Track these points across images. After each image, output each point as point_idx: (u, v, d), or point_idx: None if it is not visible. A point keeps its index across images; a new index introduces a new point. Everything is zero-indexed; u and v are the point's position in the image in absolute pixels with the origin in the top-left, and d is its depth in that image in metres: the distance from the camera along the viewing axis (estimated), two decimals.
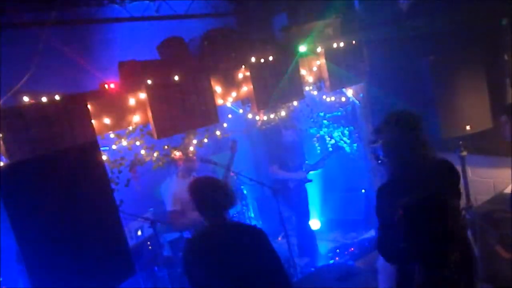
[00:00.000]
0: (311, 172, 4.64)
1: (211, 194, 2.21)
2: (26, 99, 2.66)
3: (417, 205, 1.54)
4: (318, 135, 4.95)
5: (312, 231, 4.73)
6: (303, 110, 4.60)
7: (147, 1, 3.61)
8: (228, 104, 3.62)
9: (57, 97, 2.69)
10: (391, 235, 2.05)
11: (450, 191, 2.17)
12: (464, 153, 3.58)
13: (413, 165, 2.16)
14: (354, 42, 4.09)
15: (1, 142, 2.50)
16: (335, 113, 4.74)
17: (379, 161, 2.38)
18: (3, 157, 2.54)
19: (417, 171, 2.14)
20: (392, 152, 2.23)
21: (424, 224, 1.51)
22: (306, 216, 4.65)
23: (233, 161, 4.14)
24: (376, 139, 2.31)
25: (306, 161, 4.69)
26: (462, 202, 3.55)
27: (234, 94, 3.54)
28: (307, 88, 4.04)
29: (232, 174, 4.20)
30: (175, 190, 3.73)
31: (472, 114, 3.48)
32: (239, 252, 2.12)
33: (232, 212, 4.38)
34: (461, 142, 3.56)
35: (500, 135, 2.71)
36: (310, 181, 4.60)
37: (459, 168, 3.60)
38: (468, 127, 3.48)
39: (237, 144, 4.19)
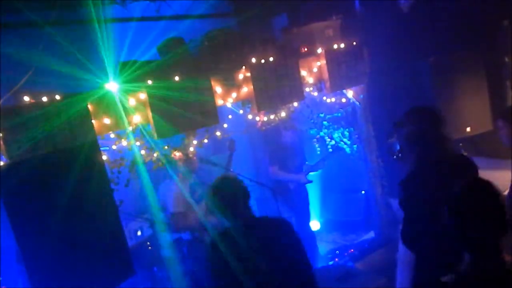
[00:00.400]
0: (311, 173, 4.64)
1: (231, 191, 2.20)
2: (26, 99, 2.66)
3: (465, 196, 1.52)
4: (318, 136, 4.95)
5: (312, 232, 4.73)
6: (303, 111, 4.60)
7: (148, 1, 3.61)
8: (228, 105, 3.62)
9: (57, 97, 2.69)
10: (418, 227, 2.08)
11: None
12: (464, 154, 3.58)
13: (435, 158, 2.19)
14: (354, 43, 4.09)
15: (1, 142, 2.50)
16: (335, 114, 4.74)
17: (395, 156, 2.41)
18: (3, 157, 2.54)
19: (439, 164, 2.18)
20: (414, 145, 2.26)
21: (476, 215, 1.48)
22: (306, 217, 4.65)
23: (231, 160, 4.14)
24: (395, 133, 2.35)
25: (306, 162, 4.69)
26: None
27: (234, 94, 3.54)
28: (307, 89, 4.04)
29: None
30: (176, 192, 3.73)
31: (472, 116, 3.49)
32: (268, 244, 2.12)
33: None
34: (461, 144, 3.56)
35: (498, 139, 2.73)
36: (310, 182, 4.60)
37: None
38: (468, 129, 3.49)
39: (235, 143, 4.19)
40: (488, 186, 1.54)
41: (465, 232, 1.50)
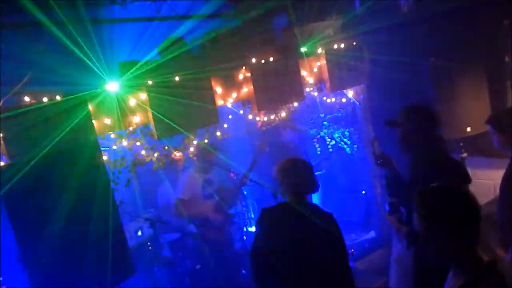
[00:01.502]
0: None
1: (301, 175, 2.30)
2: (27, 99, 2.66)
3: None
4: (318, 136, 4.95)
5: None
6: (304, 111, 4.60)
7: (148, 2, 3.62)
8: (229, 105, 3.62)
9: (57, 97, 2.69)
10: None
11: None
12: (465, 154, 3.57)
13: (430, 159, 2.18)
14: (354, 43, 4.09)
15: (2, 142, 2.50)
16: (336, 114, 4.73)
17: (378, 162, 2.40)
18: (3, 157, 2.55)
19: (433, 166, 2.17)
20: (410, 145, 2.26)
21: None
22: None
23: (257, 161, 4.12)
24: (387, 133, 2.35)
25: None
26: None
27: (234, 94, 3.55)
28: (307, 89, 4.04)
29: (232, 175, 4.20)
30: (188, 180, 3.74)
31: (473, 115, 3.48)
32: (311, 233, 2.16)
33: (232, 212, 4.39)
34: (461, 143, 3.56)
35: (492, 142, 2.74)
36: None
37: None
38: (468, 129, 3.48)
39: (266, 144, 4.14)
40: (451, 194, 1.52)
41: (430, 237, 1.50)
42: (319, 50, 3.96)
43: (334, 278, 2.17)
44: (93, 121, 2.80)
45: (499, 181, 2.89)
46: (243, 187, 4.33)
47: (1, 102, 2.57)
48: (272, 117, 4.30)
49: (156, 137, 3.12)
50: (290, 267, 2.09)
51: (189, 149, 3.78)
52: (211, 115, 3.29)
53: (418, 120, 2.28)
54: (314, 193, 2.35)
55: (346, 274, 2.24)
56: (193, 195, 3.73)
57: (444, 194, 1.53)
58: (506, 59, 3.59)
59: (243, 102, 3.70)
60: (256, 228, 2.26)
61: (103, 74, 2.84)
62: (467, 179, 2.38)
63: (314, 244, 2.14)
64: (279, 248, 2.11)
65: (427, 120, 2.28)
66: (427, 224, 1.49)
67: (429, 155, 2.23)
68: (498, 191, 2.94)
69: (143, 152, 3.35)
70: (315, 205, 2.35)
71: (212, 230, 3.77)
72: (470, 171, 3.68)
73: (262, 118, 4.25)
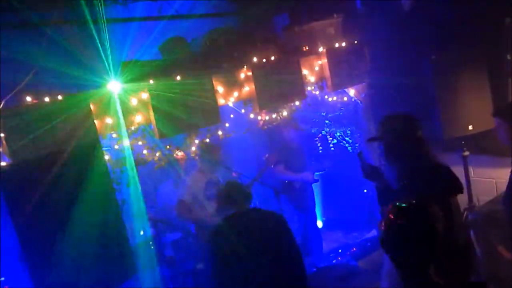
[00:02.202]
0: (317, 173, 4.62)
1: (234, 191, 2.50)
2: (28, 99, 2.66)
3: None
4: (320, 135, 4.94)
5: (319, 232, 4.71)
6: (305, 110, 4.59)
7: (150, 1, 3.62)
8: (230, 104, 3.62)
9: (59, 97, 2.69)
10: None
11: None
12: (467, 153, 3.57)
13: (416, 167, 2.15)
14: (356, 41, 4.08)
15: (4, 142, 2.51)
16: (337, 113, 4.73)
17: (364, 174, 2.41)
18: (5, 157, 2.55)
19: (420, 174, 2.13)
20: (393, 156, 2.23)
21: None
22: (313, 216, 4.63)
23: (263, 173, 4.13)
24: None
25: (312, 162, 4.67)
26: (465, 202, 3.55)
27: (236, 94, 3.54)
28: (309, 88, 4.04)
29: (234, 174, 4.20)
30: (190, 181, 3.74)
31: (475, 114, 3.47)
32: (261, 235, 2.27)
33: None
34: (463, 142, 3.55)
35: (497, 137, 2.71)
36: (317, 181, 4.59)
37: (461, 168, 3.61)
38: (470, 127, 3.47)
39: (274, 158, 4.17)
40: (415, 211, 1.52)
41: (395, 252, 1.53)
42: (320, 49, 3.96)
43: (288, 274, 2.26)
44: (95, 121, 2.80)
45: (501, 180, 2.88)
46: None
47: (3, 102, 2.57)
48: (274, 116, 4.30)
49: (157, 136, 3.12)
50: (250, 275, 2.19)
51: (190, 148, 3.77)
52: (213, 114, 3.29)
53: (395, 130, 2.23)
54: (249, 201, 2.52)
55: (300, 268, 2.33)
56: (194, 197, 3.73)
57: (403, 212, 1.53)
58: (508, 57, 3.58)
59: (244, 101, 3.69)
60: (209, 252, 2.36)
61: (104, 74, 2.84)
62: (457, 187, 2.30)
63: (265, 245, 2.24)
64: (236, 256, 2.20)
65: (405, 128, 2.22)
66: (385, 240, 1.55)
67: (414, 164, 2.18)
68: (500, 189, 2.93)
69: (144, 151, 3.35)
70: (257, 208, 2.53)
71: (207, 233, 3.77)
72: (472, 169, 3.70)
73: (263, 117, 4.24)
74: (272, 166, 4.22)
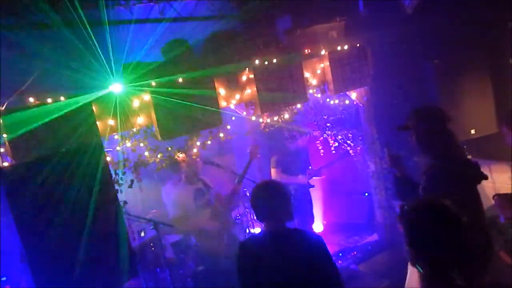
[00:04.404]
0: (314, 178, 4.62)
1: (272, 200, 2.13)
2: (31, 100, 2.68)
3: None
4: (321, 138, 4.94)
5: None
6: (307, 113, 4.59)
7: (152, 4, 3.63)
8: (232, 106, 3.63)
9: (62, 98, 2.71)
10: None
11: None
12: (469, 157, 3.55)
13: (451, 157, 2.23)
14: (358, 44, 4.08)
15: (7, 143, 2.52)
16: (339, 116, 4.72)
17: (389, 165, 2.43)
18: (8, 158, 2.57)
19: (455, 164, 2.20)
20: (429, 144, 2.30)
21: None
22: (310, 220, 4.63)
23: (249, 166, 4.13)
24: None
25: (310, 167, 4.66)
26: None
27: (237, 96, 3.55)
28: (310, 91, 4.04)
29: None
30: (177, 195, 3.74)
31: (477, 118, 3.46)
32: (297, 259, 2.05)
33: (235, 215, 4.39)
34: (465, 146, 3.54)
35: (503, 141, 2.72)
36: (312, 186, 4.58)
37: None
38: (473, 131, 3.47)
39: (258, 149, 4.17)
40: (436, 209, 1.48)
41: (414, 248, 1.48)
42: (323, 52, 3.96)
43: None
44: (97, 122, 2.81)
45: (502, 184, 2.87)
46: (245, 189, 4.33)
47: (6, 103, 2.59)
48: (275, 118, 4.30)
49: (159, 138, 3.13)
50: None
51: (192, 150, 3.78)
52: (214, 117, 3.29)
53: (430, 120, 2.30)
54: (289, 221, 2.17)
55: None
56: (185, 209, 3.74)
57: (424, 210, 1.50)
58: (511, 61, 3.57)
59: (246, 104, 3.70)
60: (237, 264, 2.11)
61: (107, 76, 2.86)
62: (482, 174, 2.38)
63: (302, 273, 2.02)
64: (265, 282, 2.01)
65: (438, 119, 2.30)
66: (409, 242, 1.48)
67: (447, 155, 2.24)
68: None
69: (146, 153, 3.35)
70: (297, 230, 2.20)
71: (209, 239, 3.78)
72: None
73: (265, 119, 4.25)
74: (258, 156, 4.17)
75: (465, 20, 3.57)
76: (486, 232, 2.33)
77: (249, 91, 3.58)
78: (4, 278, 2.90)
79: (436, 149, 2.30)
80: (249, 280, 2.08)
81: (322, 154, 5.09)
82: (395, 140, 2.80)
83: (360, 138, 4.63)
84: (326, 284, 2.08)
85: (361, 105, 4.46)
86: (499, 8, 3.46)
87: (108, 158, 2.94)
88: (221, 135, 3.84)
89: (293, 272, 2.01)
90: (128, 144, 3.22)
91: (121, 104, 2.95)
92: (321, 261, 2.08)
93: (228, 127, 3.85)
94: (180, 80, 3.14)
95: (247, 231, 4.52)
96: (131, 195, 3.28)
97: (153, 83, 3.04)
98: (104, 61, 2.80)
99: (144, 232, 3.95)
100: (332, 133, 4.81)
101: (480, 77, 3.52)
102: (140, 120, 3.09)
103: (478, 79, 3.54)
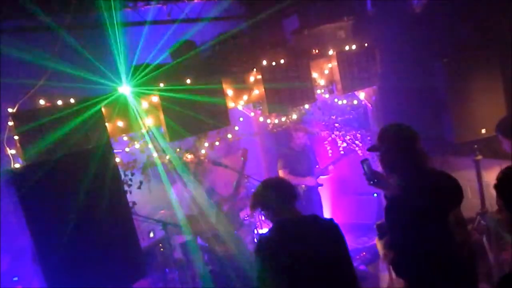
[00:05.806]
0: (321, 177, 4.60)
1: (277, 191, 2.21)
2: (42, 102, 2.71)
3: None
4: (329, 138, 4.92)
5: None
6: (315, 113, 4.58)
7: (159, 5, 3.66)
8: (240, 107, 3.63)
9: (72, 100, 2.74)
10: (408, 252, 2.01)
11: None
12: (479, 157, 3.51)
13: (413, 179, 2.09)
14: (366, 44, 4.06)
15: (18, 145, 2.56)
16: (347, 116, 4.70)
17: (371, 182, 2.35)
18: (19, 159, 2.60)
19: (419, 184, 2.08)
20: (390, 168, 2.19)
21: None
22: None
23: (244, 169, 4.14)
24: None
25: (317, 166, 4.65)
26: (477, 207, 3.49)
27: (245, 97, 3.55)
28: (318, 91, 4.03)
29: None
30: (192, 194, 3.76)
31: (488, 117, 3.40)
32: (316, 244, 2.09)
33: (243, 215, 4.39)
34: (476, 146, 3.49)
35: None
36: (321, 185, 4.56)
37: (474, 172, 3.55)
38: (483, 131, 3.41)
39: (247, 153, 4.19)
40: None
41: None
42: (331, 52, 3.95)
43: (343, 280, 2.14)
44: (106, 124, 2.83)
45: None
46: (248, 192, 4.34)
47: (17, 105, 2.63)
48: (283, 119, 4.30)
49: (168, 139, 3.15)
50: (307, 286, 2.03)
51: (200, 151, 3.80)
52: (222, 117, 3.30)
53: (393, 140, 2.17)
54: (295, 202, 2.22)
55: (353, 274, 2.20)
56: (200, 207, 3.76)
57: None
58: None
59: (254, 104, 3.70)
60: (259, 260, 2.09)
61: (116, 77, 2.88)
62: (454, 200, 2.14)
63: (323, 256, 2.06)
64: (291, 271, 2.01)
65: (403, 139, 2.16)
66: None
67: (412, 174, 2.11)
68: None
69: (155, 154, 3.37)
70: (313, 216, 2.25)
71: (218, 243, 3.80)
72: (485, 173, 3.63)
73: (273, 120, 4.24)
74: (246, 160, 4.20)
75: (475, 18, 3.53)
76: (470, 246, 2.18)
77: (257, 91, 3.59)
78: (16, 278, 2.94)
79: (400, 170, 2.12)
80: (288, 266, 2.04)
81: (330, 155, 5.07)
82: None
83: (368, 138, 4.60)
84: (350, 264, 2.19)
85: (370, 105, 4.43)
86: (508, 7, 3.41)
87: (118, 159, 2.96)
88: (229, 135, 3.85)
89: (314, 256, 2.05)
90: (137, 145, 3.24)
91: (130, 105, 2.97)
92: (344, 243, 2.18)
93: (236, 127, 3.86)
94: (188, 81, 3.16)
95: (255, 231, 4.52)
96: (139, 196, 3.30)
97: (162, 85, 3.06)
98: (114, 63, 2.82)
99: (153, 233, 3.97)
100: (340, 134, 4.79)
101: (490, 75, 3.47)
102: (149, 121, 3.11)
103: (488, 77, 3.48)
